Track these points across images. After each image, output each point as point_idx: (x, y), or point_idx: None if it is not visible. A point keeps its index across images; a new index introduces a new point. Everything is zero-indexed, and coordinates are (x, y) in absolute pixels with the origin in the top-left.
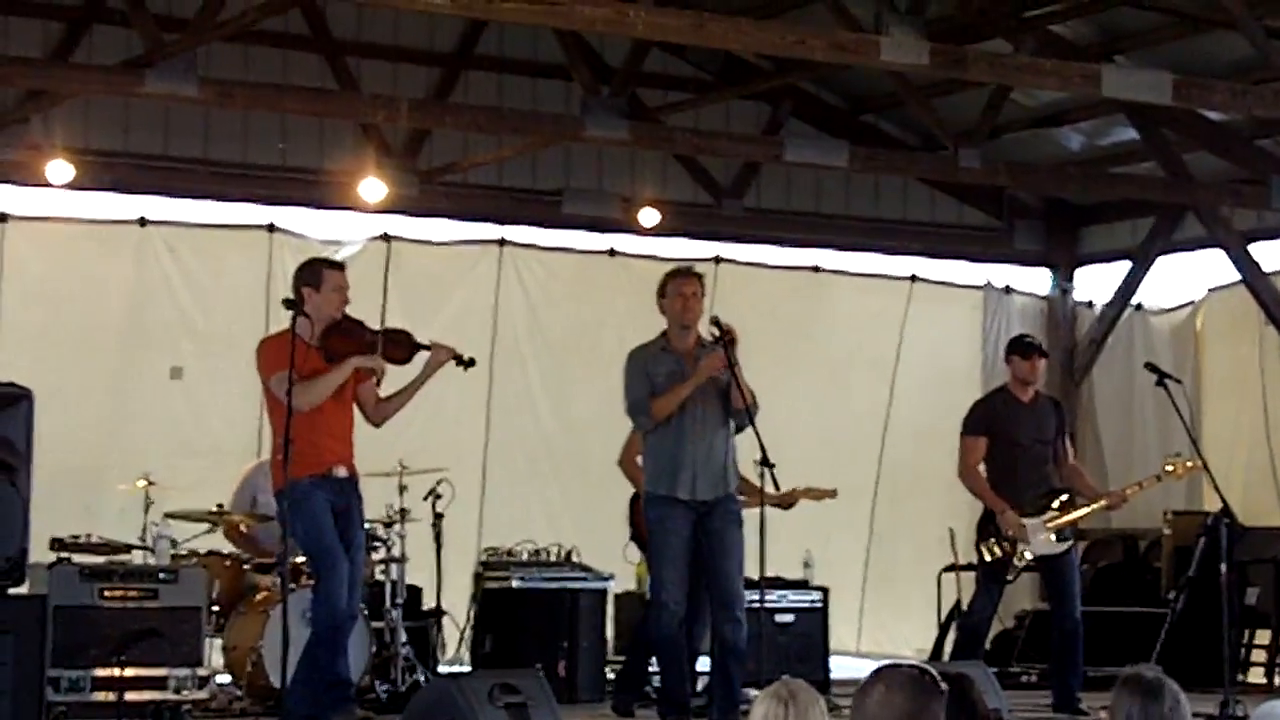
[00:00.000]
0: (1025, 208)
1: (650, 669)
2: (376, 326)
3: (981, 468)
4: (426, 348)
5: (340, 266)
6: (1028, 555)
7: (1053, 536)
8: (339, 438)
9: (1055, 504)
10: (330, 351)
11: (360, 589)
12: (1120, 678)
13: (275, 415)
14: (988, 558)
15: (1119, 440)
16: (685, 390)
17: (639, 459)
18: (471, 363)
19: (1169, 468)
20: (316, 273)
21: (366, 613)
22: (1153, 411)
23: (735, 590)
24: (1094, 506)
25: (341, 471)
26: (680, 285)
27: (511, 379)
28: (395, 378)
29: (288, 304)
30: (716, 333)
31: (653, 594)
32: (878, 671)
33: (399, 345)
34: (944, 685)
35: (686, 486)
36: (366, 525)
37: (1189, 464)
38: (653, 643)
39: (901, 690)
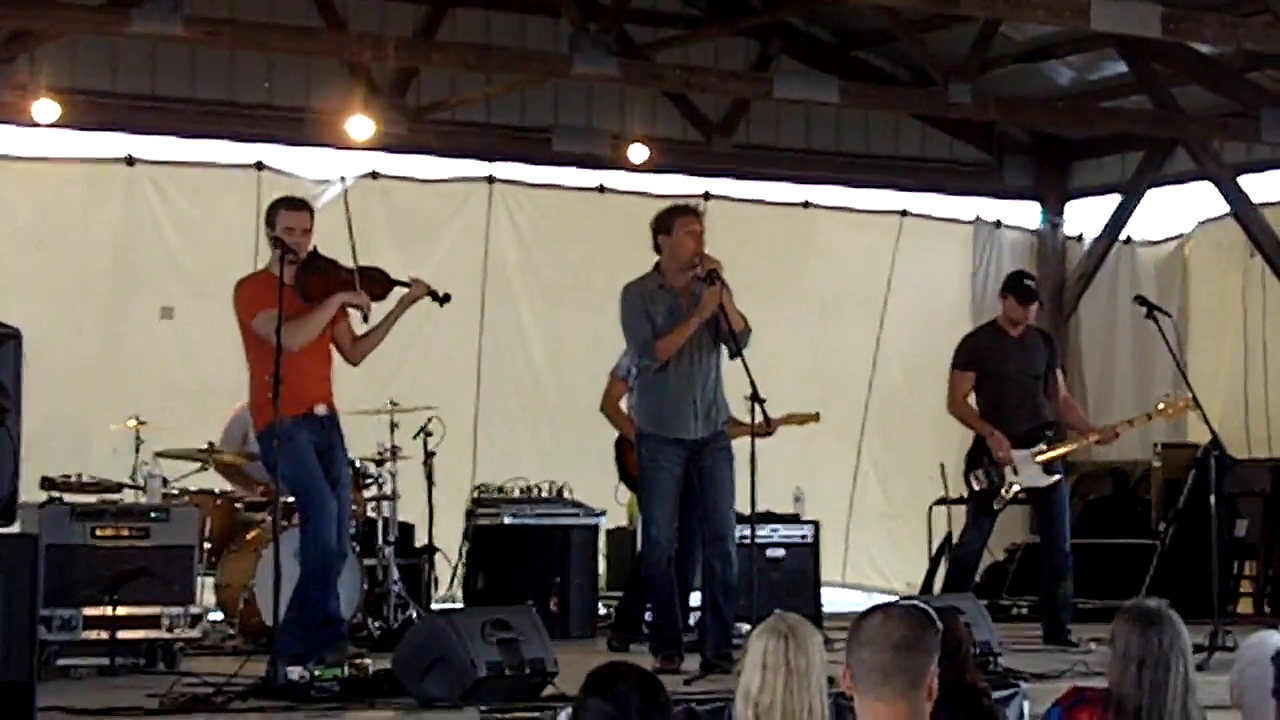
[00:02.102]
0: (1015, 142)
1: (645, 605)
2: (350, 264)
3: (973, 400)
4: (403, 283)
5: (298, 205)
6: (1015, 486)
7: (1042, 469)
8: (318, 377)
9: (1045, 437)
10: (307, 290)
11: (348, 526)
12: (1122, 608)
13: (257, 356)
14: (975, 487)
15: (1100, 374)
16: (691, 327)
17: (621, 403)
18: (446, 298)
19: (1161, 406)
20: (273, 212)
21: (358, 550)
22: (1131, 345)
23: (727, 526)
24: (1084, 441)
25: (322, 409)
26: (689, 224)
27: (503, 316)
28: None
29: (274, 242)
30: (703, 270)
31: (644, 531)
32: (875, 605)
33: (375, 282)
34: (939, 624)
35: (680, 424)
36: (359, 463)
37: (1180, 402)
38: (643, 579)
39: (899, 619)
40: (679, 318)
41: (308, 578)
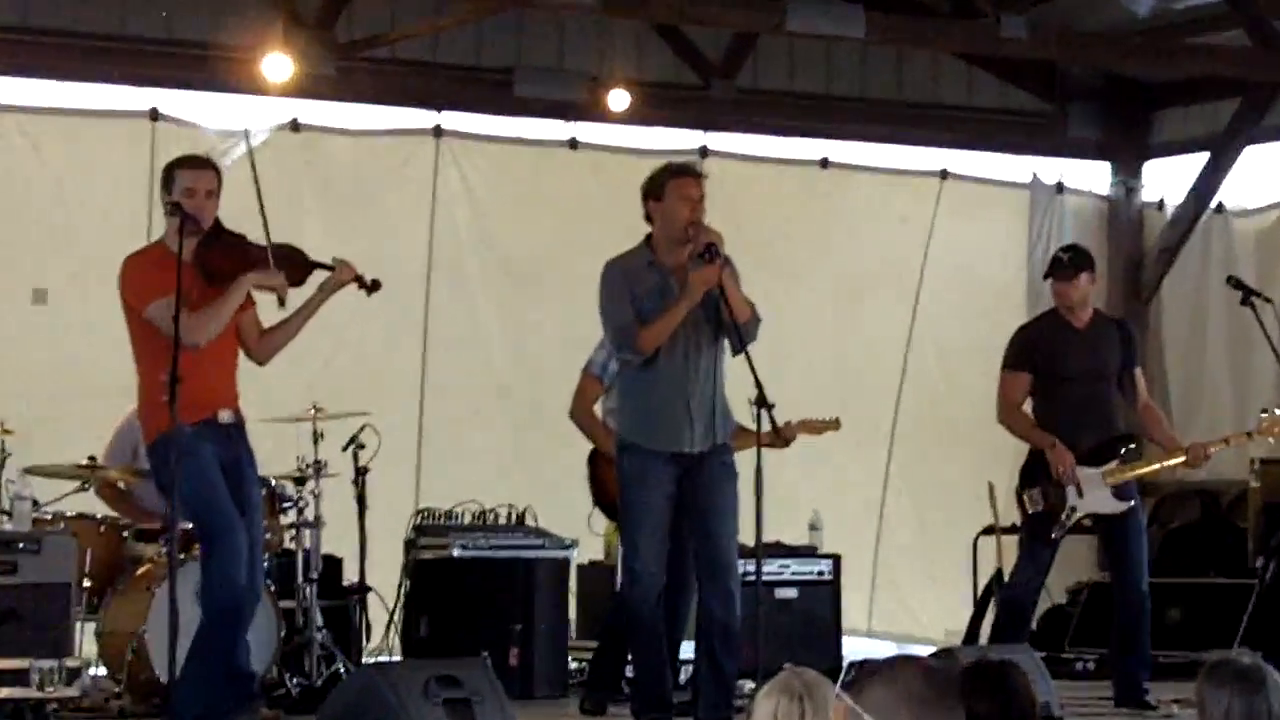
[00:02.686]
0: (1082, 87)
1: (626, 657)
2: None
3: (1029, 409)
4: (325, 266)
5: (200, 163)
6: (1079, 511)
7: (1113, 492)
8: (222, 376)
9: (1118, 454)
10: (211, 269)
11: (261, 559)
12: (1207, 666)
13: (148, 349)
14: (1030, 511)
15: (1187, 373)
16: (679, 313)
17: (596, 408)
18: (375, 286)
19: (1267, 421)
20: (170, 173)
21: (274, 589)
22: (1225, 337)
23: (728, 559)
24: (1168, 462)
25: (227, 416)
26: (684, 187)
27: (453, 301)
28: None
29: (172, 209)
30: (700, 244)
31: (625, 566)
32: (894, 658)
33: (291, 263)
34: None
35: (671, 435)
36: (274, 483)
37: None
38: (625, 625)
39: (917, 678)
40: (669, 301)
41: (210, 623)
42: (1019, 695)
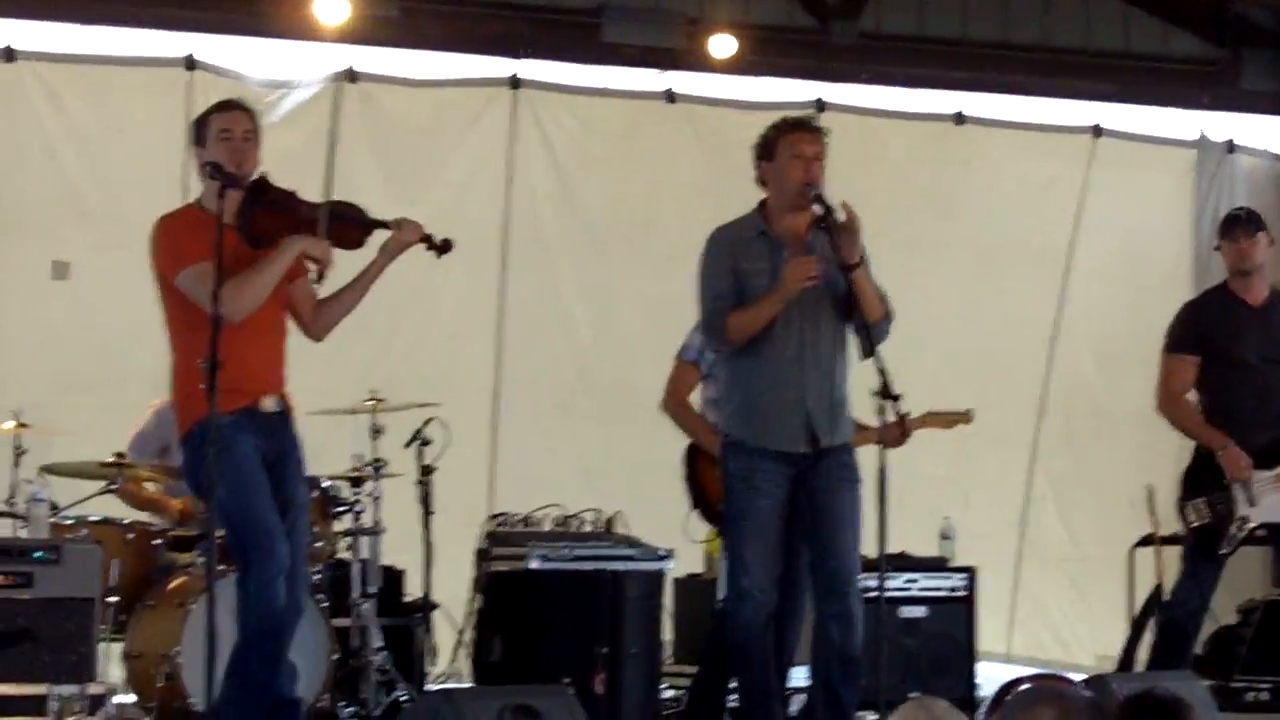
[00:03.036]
0: (1258, 30)
1: (729, 685)
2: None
3: (1194, 397)
4: (385, 225)
5: (231, 105)
6: (1251, 521)
7: None
8: (266, 357)
9: None
10: (256, 231)
11: (305, 568)
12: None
13: (181, 327)
14: (1195, 521)
15: None
16: (773, 306)
17: (694, 398)
18: (446, 246)
19: None
20: (201, 126)
21: (325, 605)
22: None
23: (849, 574)
24: None
25: (270, 404)
26: (798, 143)
27: (533, 277)
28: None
29: (212, 172)
30: (819, 212)
31: (730, 581)
32: (1035, 690)
33: (348, 223)
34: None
35: (782, 433)
36: (326, 483)
37: None
38: (729, 648)
39: (1050, 705)
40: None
41: (248, 645)
42: None
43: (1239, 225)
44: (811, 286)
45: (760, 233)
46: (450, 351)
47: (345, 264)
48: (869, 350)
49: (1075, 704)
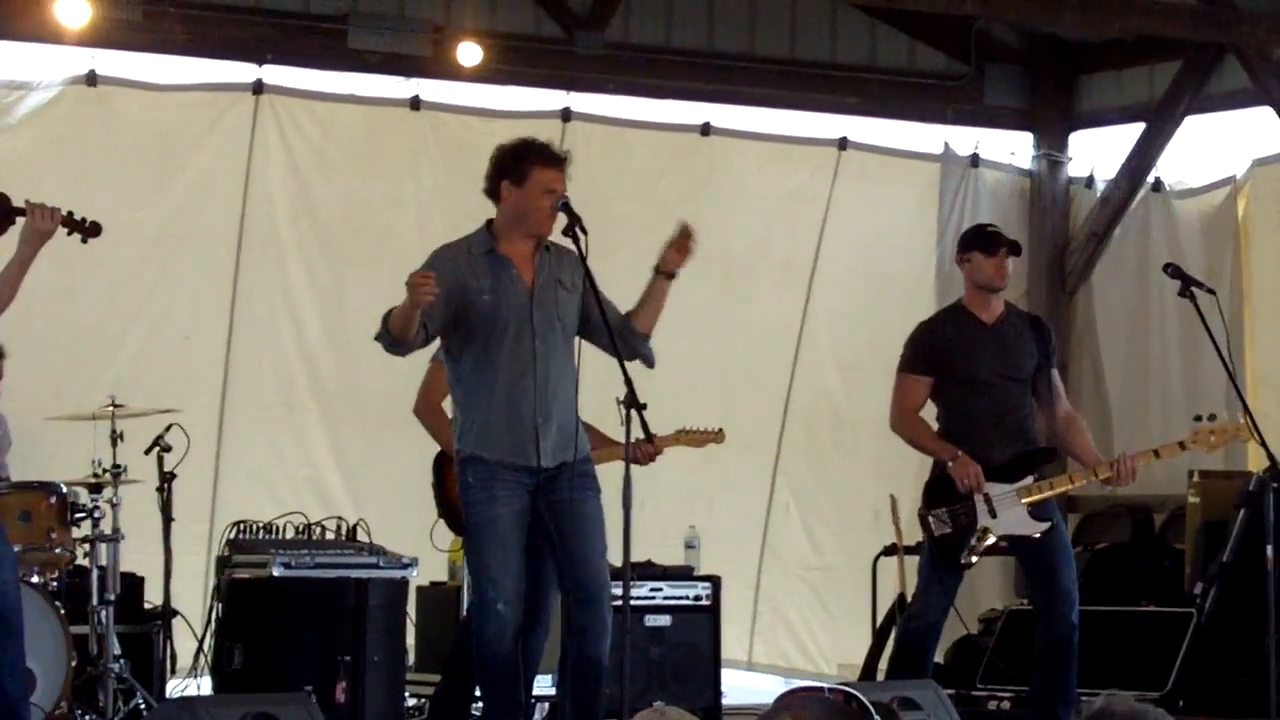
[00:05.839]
0: (1001, 47)
1: (472, 694)
2: None
3: (934, 413)
4: (18, 210)
5: None
6: (993, 531)
7: (1028, 512)
8: None
9: (1034, 468)
10: None
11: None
12: (1091, 712)
13: None
14: (936, 532)
15: (1130, 375)
16: (404, 312)
17: (446, 403)
18: (94, 230)
19: (1200, 431)
20: None
21: (64, 612)
22: (1177, 334)
23: (600, 583)
24: (1089, 478)
25: None
26: (549, 177)
27: (267, 281)
28: None
29: None
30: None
31: (476, 589)
32: (783, 697)
33: None
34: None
35: (519, 448)
36: (65, 489)
37: (1230, 427)
38: (475, 659)
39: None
40: (509, 297)
41: None
42: None
43: (1002, 242)
44: (559, 281)
45: (488, 250)
46: (186, 356)
47: None
48: (633, 353)
49: (819, 708)
